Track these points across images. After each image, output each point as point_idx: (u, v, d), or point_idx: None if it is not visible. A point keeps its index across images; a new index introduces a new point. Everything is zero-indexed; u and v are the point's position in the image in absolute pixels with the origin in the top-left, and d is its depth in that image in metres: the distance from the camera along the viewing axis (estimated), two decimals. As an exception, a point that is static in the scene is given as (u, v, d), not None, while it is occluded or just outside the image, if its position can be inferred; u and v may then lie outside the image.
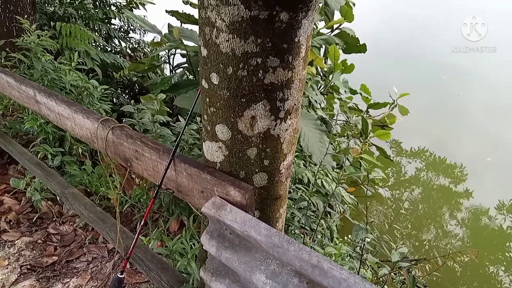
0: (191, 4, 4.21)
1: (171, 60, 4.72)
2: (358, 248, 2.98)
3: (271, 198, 1.31)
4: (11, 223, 2.61)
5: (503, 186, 5.25)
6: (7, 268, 2.26)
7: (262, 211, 1.32)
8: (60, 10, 4.11)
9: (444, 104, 6.78)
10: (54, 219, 2.65)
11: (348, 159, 4.37)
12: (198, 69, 4.05)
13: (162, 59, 4.85)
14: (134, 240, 1.32)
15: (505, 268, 4.18)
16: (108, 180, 2.88)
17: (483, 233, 4.71)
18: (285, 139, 1.20)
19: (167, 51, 4.62)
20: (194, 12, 4.13)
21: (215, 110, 1.14)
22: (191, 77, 4.23)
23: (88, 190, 2.84)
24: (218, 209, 1.18)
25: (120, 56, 4.98)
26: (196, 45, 3.81)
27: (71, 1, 4.51)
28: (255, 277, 1.10)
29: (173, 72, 4.69)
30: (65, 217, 2.67)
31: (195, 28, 4.26)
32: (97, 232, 2.54)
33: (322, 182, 2.94)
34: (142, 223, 1.35)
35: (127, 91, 5.16)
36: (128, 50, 5.38)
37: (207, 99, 1.15)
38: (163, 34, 4.40)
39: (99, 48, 4.71)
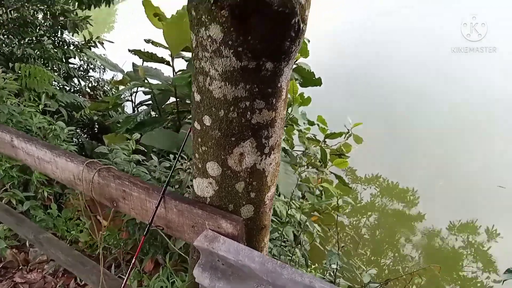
0: (153, 43, 4.32)
1: (133, 98, 4.76)
2: (327, 273, 3.09)
3: (257, 229, 1.41)
4: (-28, 274, 2.47)
5: (453, 208, 5.55)
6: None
7: (249, 241, 1.41)
8: (18, 51, 4.07)
9: (395, 130, 7.17)
10: (20, 267, 2.54)
11: (310, 189, 4.55)
12: (163, 107, 4.08)
13: (124, 97, 4.87)
14: (124, 281, 1.35)
15: (460, 287, 4.42)
16: (75, 223, 2.83)
17: (438, 254, 4.94)
18: (269, 172, 1.31)
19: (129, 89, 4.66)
20: (155, 50, 4.24)
21: (206, 149, 1.24)
22: (154, 114, 4.28)
23: (57, 234, 2.76)
24: (211, 241, 1.25)
25: (79, 95, 4.94)
26: (161, 82, 3.90)
27: (29, 41, 4.47)
28: (250, 304, 1.17)
29: (136, 110, 4.72)
30: (32, 264, 2.57)
31: (157, 66, 4.36)
32: (68, 278, 2.47)
33: (293, 212, 3.05)
34: (133, 262, 1.38)
35: (85, 130, 5.09)
36: (87, 89, 5.35)
37: (199, 139, 1.25)
38: (125, 72, 4.46)
39: (58, 88, 4.66)
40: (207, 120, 1.19)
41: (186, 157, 2.81)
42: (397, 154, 6.73)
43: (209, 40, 1.05)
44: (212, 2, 0.98)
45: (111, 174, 1.52)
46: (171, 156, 2.64)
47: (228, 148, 1.21)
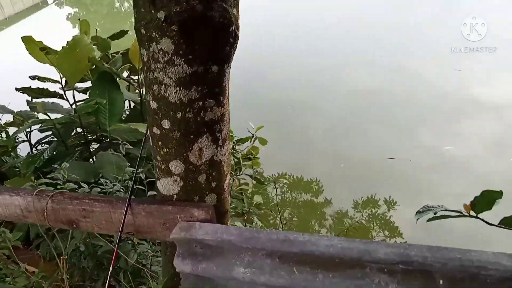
0: (39, 79, 4.16)
1: (29, 137, 4.44)
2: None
3: (221, 214, 1.59)
4: None
5: (355, 187, 6.21)
6: None
7: (215, 227, 1.58)
8: None
9: (291, 132, 7.78)
10: None
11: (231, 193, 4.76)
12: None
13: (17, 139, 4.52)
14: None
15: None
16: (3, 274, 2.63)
17: (350, 232, 5.46)
18: (224, 162, 1.52)
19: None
20: (44, 85, 4.09)
21: (168, 150, 1.40)
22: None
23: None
24: (188, 230, 1.40)
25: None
26: (63, 115, 3.76)
27: None
28: (234, 272, 1.35)
29: (35, 149, 4.42)
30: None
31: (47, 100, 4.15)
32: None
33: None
34: (109, 273, 1.45)
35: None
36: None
37: (160, 143, 1.40)
38: (15, 112, 4.17)
39: None
40: (166, 124, 1.35)
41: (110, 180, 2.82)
42: (296, 151, 7.27)
43: (161, 52, 1.23)
44: (162, 20, 1.16)
45: (67, 197, 1.55)
46: (102, 180, 2.62)
47: (188, 146, 1.38)
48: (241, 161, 5.27)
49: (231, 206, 4.55)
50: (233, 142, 5.54)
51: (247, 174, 5.40)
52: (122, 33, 4.73)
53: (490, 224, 1.89)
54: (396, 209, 5.69)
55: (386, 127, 7.48)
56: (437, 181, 5.92)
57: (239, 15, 1.32)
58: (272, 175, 6.94)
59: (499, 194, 1.81)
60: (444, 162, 6.30)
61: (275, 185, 3.15)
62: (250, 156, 5.30)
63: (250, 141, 5.74)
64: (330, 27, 12.51)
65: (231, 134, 5.33)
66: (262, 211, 5.42)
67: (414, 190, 5.91)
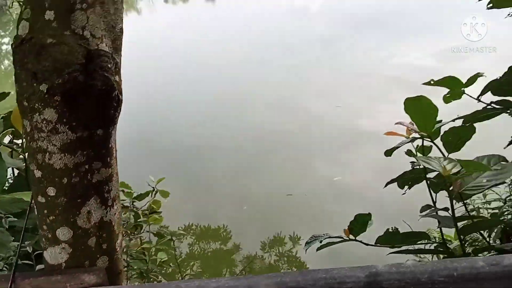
0: None
1: None
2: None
3: (114, 275, 1.57)
4: None
5: (261, 228, 6.33)
6: None
7: (111, 289, 1.56)
8: None
9: (194, 178, 7.73)
10: None
11: (132, 255, 4.55)
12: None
13: None
14: None
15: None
16: None
17: (262, 273, 5.52)
18: (115, 222, 1.54)
19: None
20: None
21: (54, 217, 1.38)
22: None
23: None
24: (78, 298, 1.37)
25: None
26: None
27: None
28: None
29: None
30: None
31: None
32: None
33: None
34: None
35: None
36: None
37: (45, 211, 1.38)
38: None
39: None
40: (51, 191, 1.35)
41: None
42: (201, 198, 7.24)
43: (44, 122, 1.26)
44: (45, 92, 1.21)
45: None
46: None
47: (76, 210, 1.39)
48: (142, 217, 5.11)
49: (131, 268, 4.35)
50: (132, 199, 5.37)
51: (149, 231, 5.24)
52: (3, 96, 4.42)
53: (367, 245, 2.17)
54: (301, 244, 5.82)
55: (283, 163, 7.85)
56: (333, 211, 6.27)
57: (121, 80, 1.42)
58: (179, 227, 6.76)
59: (369, 217, 2.12)
60: (336, 193, 6.82)
61: (172, 239, 3.13)
62: (147, 211, 5.17)
63: (151, 195, 5.60)
64: (224, 65, 12.98)
65: (129, 190, 5.21)
66: (170, 269, 5.24)
67: (314, 222, 6.19)
